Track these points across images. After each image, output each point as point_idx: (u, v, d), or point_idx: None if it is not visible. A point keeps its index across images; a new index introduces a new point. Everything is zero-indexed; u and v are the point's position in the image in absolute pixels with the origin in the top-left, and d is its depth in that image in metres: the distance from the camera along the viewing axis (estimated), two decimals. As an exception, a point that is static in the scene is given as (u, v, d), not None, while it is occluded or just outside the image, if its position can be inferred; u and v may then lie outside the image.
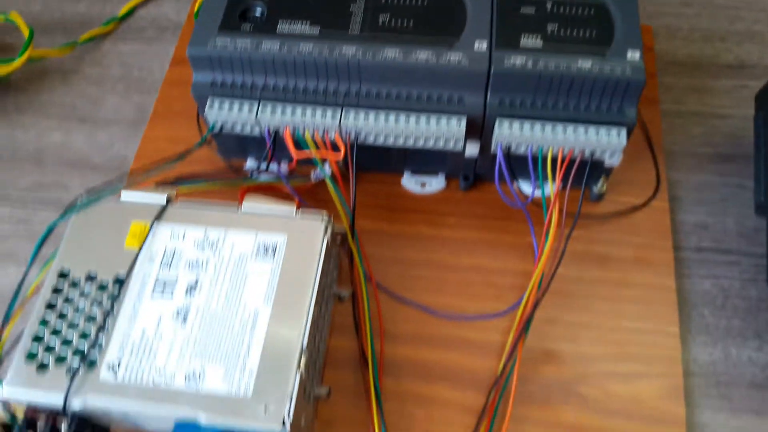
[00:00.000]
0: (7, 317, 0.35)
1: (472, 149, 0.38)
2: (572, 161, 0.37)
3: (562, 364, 0.36)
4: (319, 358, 0.36)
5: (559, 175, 0.37)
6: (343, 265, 0.40)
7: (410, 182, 0.43)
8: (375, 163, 0.42)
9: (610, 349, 0.37)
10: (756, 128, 0.39)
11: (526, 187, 0.41)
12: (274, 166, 0.41)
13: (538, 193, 0.40)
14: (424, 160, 0.41)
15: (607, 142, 0.36)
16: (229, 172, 0.42)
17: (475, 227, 0.41)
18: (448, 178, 0.43)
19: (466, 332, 0.38)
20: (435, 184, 0.42)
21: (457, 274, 0.40)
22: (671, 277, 0.38)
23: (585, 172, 0.37)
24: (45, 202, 0.45)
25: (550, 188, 0.38)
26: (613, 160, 0.37)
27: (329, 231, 0.35)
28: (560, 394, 0.36)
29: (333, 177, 0.38)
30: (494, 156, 0.37)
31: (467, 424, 0.35)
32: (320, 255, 0.34)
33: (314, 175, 0.41)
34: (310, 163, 0.40)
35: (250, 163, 0.43)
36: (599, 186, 0.40)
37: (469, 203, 0.42)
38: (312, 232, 0.35)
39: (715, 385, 0.36)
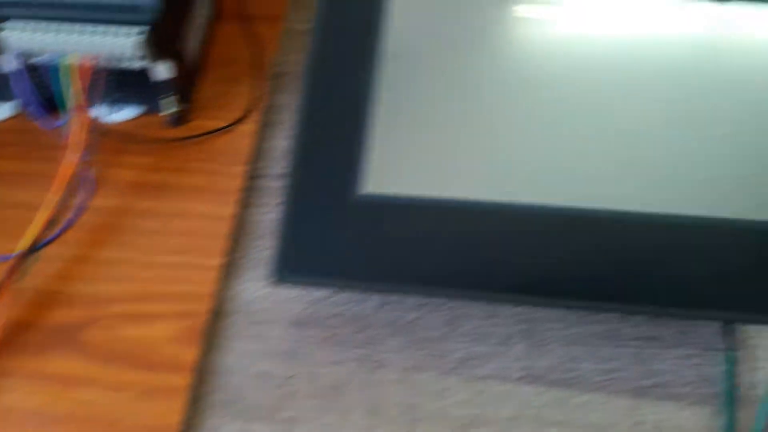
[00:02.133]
0: None
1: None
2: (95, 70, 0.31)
3: (71, 307, 0.30)
4: None
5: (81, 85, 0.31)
6: None
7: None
8: None
9: (133, 288, 0.31)
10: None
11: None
12: None
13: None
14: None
15: (113, 43, 0.30)
16: None
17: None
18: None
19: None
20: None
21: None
22: (231, 206, 0.33)
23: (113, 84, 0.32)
24: None
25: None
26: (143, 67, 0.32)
27: None
28: (59, 342, 0.29)
29: None
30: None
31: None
32: None
33: None
34: None
35: None
36: (167, 105, 0.34)
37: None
38: None
39: (254, 324, 0.30)
